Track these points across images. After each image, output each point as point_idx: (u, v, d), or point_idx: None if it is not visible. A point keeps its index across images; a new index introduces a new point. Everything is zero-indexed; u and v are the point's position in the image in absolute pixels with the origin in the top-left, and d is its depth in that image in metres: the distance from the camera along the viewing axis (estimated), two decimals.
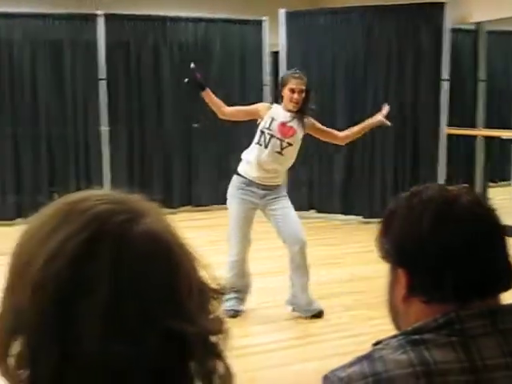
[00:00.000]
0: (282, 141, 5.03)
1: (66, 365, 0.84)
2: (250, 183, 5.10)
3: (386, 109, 5.45)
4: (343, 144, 5.73)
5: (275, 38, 9.80)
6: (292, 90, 5.05)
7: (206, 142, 10.05)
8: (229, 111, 5.36)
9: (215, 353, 0.92)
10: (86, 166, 9.61)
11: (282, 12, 9.35)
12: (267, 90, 10.30)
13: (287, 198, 5.28)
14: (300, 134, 5.16)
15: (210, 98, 5.34)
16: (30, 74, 9.31)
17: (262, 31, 10.21)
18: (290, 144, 5.07)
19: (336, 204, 9.32)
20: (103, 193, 0.95)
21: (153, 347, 0.85)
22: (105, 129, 9.46)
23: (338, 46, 9.19)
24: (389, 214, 1.48)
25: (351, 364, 1.31)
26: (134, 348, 0.84)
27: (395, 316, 1.48)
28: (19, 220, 9.25)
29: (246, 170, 5.15)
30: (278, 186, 5.23)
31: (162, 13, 10.08)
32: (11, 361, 0.88)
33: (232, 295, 5.20)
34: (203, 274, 0.94)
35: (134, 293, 0.86)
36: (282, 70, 9.27)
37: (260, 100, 10.23)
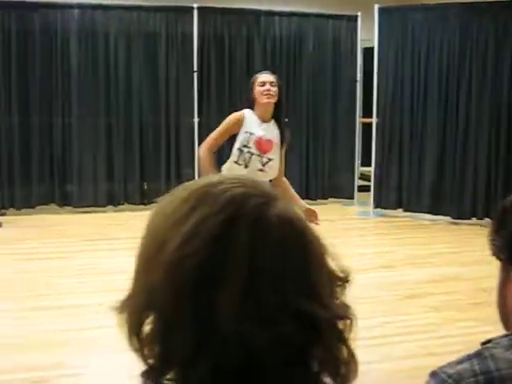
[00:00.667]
0: (261, 157, 4.54)
1: (199, 343, 0.86)
2: None
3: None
4: (275, 185, 4.57)
5: (368, 33, 9.71)
6: (262, 83, 4.52)
7: (296, 136, 10.06)
8: (209, 148, 4.62)
9: (342, 339, 0.92)
10: (177, 156, 9.75)
11: (376, 7, 9.25)
12: (359, 86, 10.23)
13: None
14: (278, 144, 4.62)
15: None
16: (124, 65, 9.53)
17: (356, 27, 10.16)
18: (270, 159, 4.56)
19: (424, 203, 9.17)
20: (234, 176, 0.96)
21: (287, 330, 0.86)
22: (196, 120, 9.59)
23: (432, 43, 9.02)
24: (502, 211, 1.41)
25: (459, 361, 1.27)
26: (268, 330, 0.85)
27: (506, 315, 1.43)
28: (110, 207, 9.50)
29: None
30: None
31: (255, 7, 10.15)
32: (143, 337, 0.91)
33: None
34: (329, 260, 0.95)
35: (269, 275, 0.87)
36: (375, 65, 9.20)
37: (353, 95, 10.21)
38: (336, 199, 10.29)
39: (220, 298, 0.85)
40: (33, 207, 9.32)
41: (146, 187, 9.79)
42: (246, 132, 4.49)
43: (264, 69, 9.69)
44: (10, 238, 7.83)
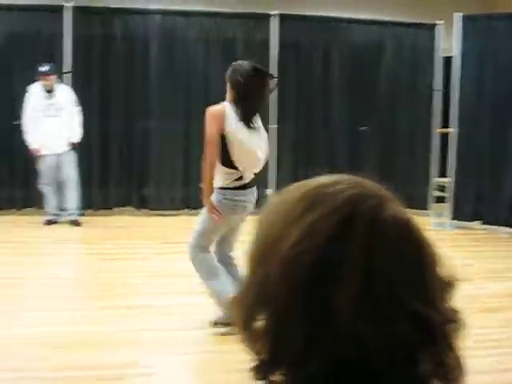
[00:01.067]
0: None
1: (311, 342, 0.87)
2: (243, 187, 4.70)
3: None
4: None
5: (447, 42, 9.57)
6: None
7: (371, 144, 10.00)
8: (215, 153, 4.66)
9: (450, 343, 0.92)
10: None
11: (457, 16, 9.10)
12: (438, 96, 10.08)
13: (252, 206, 4.82)
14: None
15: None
16: (203, 71, 9.64)
17: (436, 35, 10.02)
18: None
19: (503, 216, 8.96)
20: (348, 178, 0.97)
21: (402, 329, 0.86)
22: (273, 127, 9.62)
23: None
24: None
25: None
26: (384, 329, 0.85)
27: None
28: (186, 211, 9.61)
29: (233, 179, 4.68)
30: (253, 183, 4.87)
31: (335, 14, 10.13)
32: (255, 332, 0.92)
33: None
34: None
35: (385, 275, 0.87)
36: (455, 75, 9.05)
37: (430, 105, 10.05)
38: (410, 209, 10.13)
39: (335, 297, 0.85)
40: (110, 209, 9.53)
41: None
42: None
43: (341, 77, 9.77)
44: (89, 238, 8.03)
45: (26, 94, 8.53)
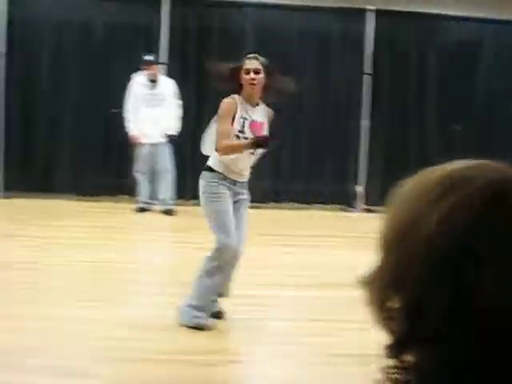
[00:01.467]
0: None
1: (448, 322, 0.86)
2: (225, 177, 4.59)
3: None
4: None
5: None
6: (247, 70, 4.53)
7: (467, 146, 9.78)
8: (224, 142, 4.53)
9: None
10: (342, 158, 9.75)
11: None
12: None
13: (248, 201, 4.83)
14: (267, 125, 4.71)
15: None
16: (297, 65, 9.62)
17: None
18: None
19: None
20: (484, 162, 0.95)
21: None
22: (365, 123, 9.54)
23: None
24: None
25: None
26: None
27: None
28: (272, 204, 9.64)
29: (222, 168, 4.61)
30: (246, 182, 4.79)
31: (434, 11, 9.94)
32: (389, 311, 0.93)
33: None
34: None
35: None
36: None
37: None
38: None
39: (478, 278, 0.84)
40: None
41: (310, 187, 9.85)
42: (241, 118, 4.53)
43: (439, 75, 9.59)
44: (180, 226, 8.13)
45: (130, 83, 8.67)
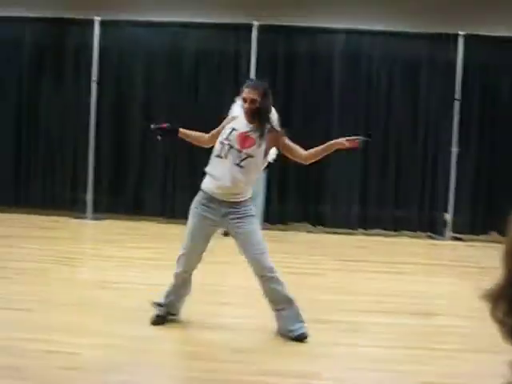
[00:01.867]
0: (240, 152, 4.72)
1: None
2: (211, 199, 4.77)
3: (352, 139, 4.91)
4: (306, 163, 5.05)
5: None
6: (244, 99, 4.83)
7: None
8: (210, 137, 5.04)
9: None
10: (432, 186, 9.61)
11: None
12: None
13: (253, 217, 4.91)
14: (262, 147, 4.81)
15: (187, 135, 5.16)
16: (386, 90, 9.59)
17: None
18: (249, 156, 4.73)
19: None
20: None
21: None
22: (454, 150, 9.39)
23: None
24: None
25: None
26: None
27: None
28: (361, 230, 9.59)
29: (208, 185, 4.83)
30: (241, 202, 4.81)
31: None
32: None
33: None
34: None
35: None
36: None
37: None
38: None
39: None
40: (287, 224, 9.67)
41: (398, 214, 9.75)
42: (231, 127, 4.80)
43: None
44: (270, 251, 8.16)
45: (232, 105, 8.71)
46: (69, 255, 7.27)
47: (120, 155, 9.94)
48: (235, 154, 4.72)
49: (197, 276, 4.98)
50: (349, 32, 9.60)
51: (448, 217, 9.54)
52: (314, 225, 9.70)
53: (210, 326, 5.09)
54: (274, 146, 5.03)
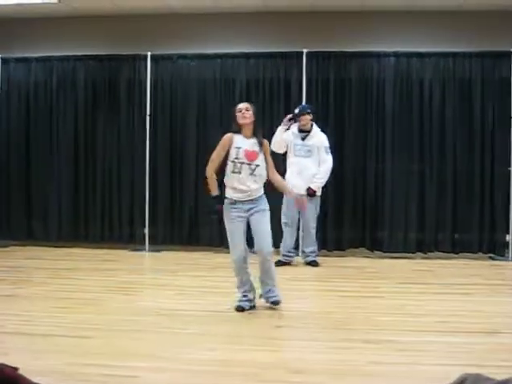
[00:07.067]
0: (250, 164, 5.95)
1: None
2: (235, 202, 5.99)
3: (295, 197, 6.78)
4: (272, 180, 6.20)
5: None
6: (239, 110, 6.03)
7: None
8: (212, 169, 6.01)
9: None
10: (491, 207, 9.43)
11: None
12: None
13: (265, 210, 6.06)
14: (261, 154, 6.04)
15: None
16: (438, 111, 9.51)
17: None
18: (257, 165, 5.98)
19: None
20: None
21: None
22: (510, 169, 9.23)
23: None
24: None
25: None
26: None
27: None
28: (419, 254, 9.45)
29: (231, 194, 6.01)
30: (258, 197, 6.03)
31: None
32: None
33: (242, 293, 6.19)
34: None
35: None
36: None
37: None
38: None
39: None
40: (343, 250, 9.60)
41: (457, 237, 9.58)
42: (236, 147, 5.94)
43: None
44: (323, 276, 8.11)
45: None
46: (126, 285, 7.37)
47: (174, 186, 10.07)
48: (247, 167, 5.95)
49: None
50: (399, 55, 9.57)
51: (509, 238, 9.34)
52: (371, 250, 9.61)
53: (269, 346, 5.05)
54: (264, 152, 6.10)
